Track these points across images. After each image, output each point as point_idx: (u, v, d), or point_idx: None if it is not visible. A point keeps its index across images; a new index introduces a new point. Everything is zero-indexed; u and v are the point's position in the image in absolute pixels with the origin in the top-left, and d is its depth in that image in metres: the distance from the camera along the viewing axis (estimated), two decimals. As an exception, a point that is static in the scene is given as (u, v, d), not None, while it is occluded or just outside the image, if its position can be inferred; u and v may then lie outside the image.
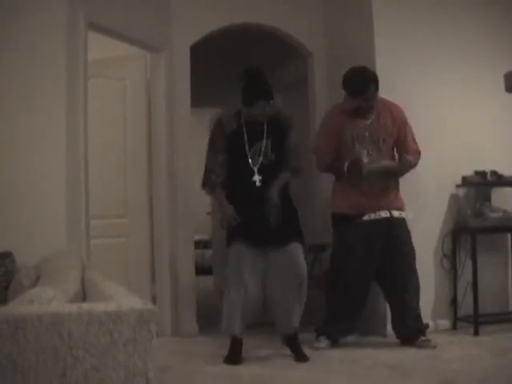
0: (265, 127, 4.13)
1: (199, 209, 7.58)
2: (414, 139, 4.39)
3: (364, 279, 4.29)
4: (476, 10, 5.05)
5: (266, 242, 4.03)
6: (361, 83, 4.19)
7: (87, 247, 4.12)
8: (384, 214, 4.27)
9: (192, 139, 5.17)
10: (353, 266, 4.25)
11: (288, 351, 4.10)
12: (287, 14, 5.46)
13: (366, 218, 4.25)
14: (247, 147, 4.10)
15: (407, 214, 4.37)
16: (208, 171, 4.20)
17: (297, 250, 4.06)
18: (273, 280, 4.04)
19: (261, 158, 4.08)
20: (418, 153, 4.38)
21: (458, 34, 4.98)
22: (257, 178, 4.06)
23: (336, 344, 4.33)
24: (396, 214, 4.30)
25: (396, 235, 4.28)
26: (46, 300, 2.17)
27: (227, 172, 4.14)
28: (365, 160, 4.17)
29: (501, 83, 3.64)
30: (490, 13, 5.07)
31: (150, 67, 5.06)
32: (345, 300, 4.31)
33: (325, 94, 5.53)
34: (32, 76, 3.84)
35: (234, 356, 3.98)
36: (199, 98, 5.59)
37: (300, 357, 4.02)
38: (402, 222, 4.33)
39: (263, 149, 4.09)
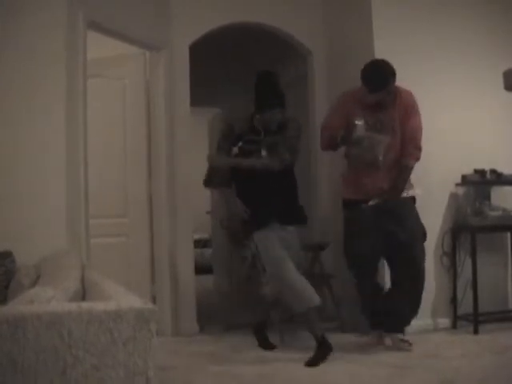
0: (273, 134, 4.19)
1: (199, 208, 7.58)
2: (415, 130, 4.23)
3: (373, 260, 4.31)
4: (476, 9, 5.06)
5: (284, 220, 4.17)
6: (381, 80, 4.13)
7: (87, 246, 4.13)
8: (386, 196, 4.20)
9: (191, 138, 5.17)
10: (361, 249, 4.22)
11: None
12: (287, 13, 5.46)
13: (371, 202, 4.20)
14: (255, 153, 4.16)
15: (415, 191, 4.29)
16: (213, 170, 4.27)
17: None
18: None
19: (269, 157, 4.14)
20: (417, 149, 4.23)
21: (458, 34, 4.98)
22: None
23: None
24: (403, 194, 4.23)
25: (403, 215, 4.20)
26: (45, 299, 2.18)
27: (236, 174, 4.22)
28: (359, 127, 4.10)
29: (500, 82, 3.65)
30: (489, 12, 5.07)
31: (150, 66, 5.06)
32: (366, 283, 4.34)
33: (324, 92, 5.53)
34: (32, 75, 3.84)
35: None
36: (199, 97, 5.59)
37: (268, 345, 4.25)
38: (409, 201, 4.25)
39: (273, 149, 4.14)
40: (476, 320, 4.55)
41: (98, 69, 4.72)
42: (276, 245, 4.06)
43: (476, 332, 4.53)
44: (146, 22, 4.81)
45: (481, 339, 4.39)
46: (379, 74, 4.13)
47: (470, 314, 4.63)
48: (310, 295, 3.99)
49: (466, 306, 4.70)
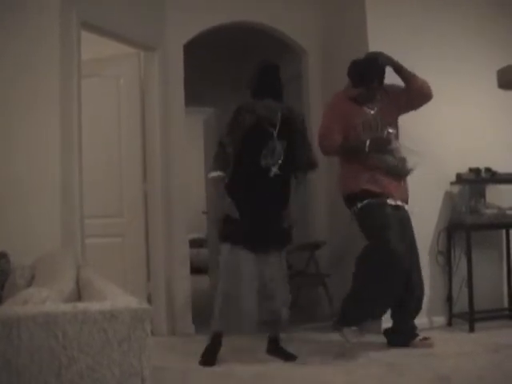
0: (277, 127, 4.04)
1: (194, 208, 7.59)
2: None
3: (406, 260, 4.04)
4: (473, 7, 5.07)
5: (266, 246, 4.02)
6: (366, 73, 4.17)
7: (82, 247, 4.12)
8: (399, 202, 4.19)
9: (186, 138, 5.16)
10: (395, 237, 4.01)
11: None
12: (282, 12, 5.47)
13: (389, 201, 4.14)
14: (262, 144, 4.01)
15: (412, 210, 4.28)
16: (216, 161, 4.11)
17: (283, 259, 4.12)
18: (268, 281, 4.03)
19: (273, 159, 4.00)
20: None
21: (454, 33, 5.00)
22: (273, 170, 3.99)
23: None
24: (406, 206, 4.24)
25: (407, 229, 4.19)
26: (40, 300, 2.17)
27: (238, 165, 4.04)
28: (392, 137, 4.11)
29: (495, 80, 3.66)
30: (486, 10, 5.10)
31: (144, 66, 5.05)
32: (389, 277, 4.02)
33: (319, 91, 5.54)
34: (26, 76, 3.84)
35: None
36: (193, 96, 5.58)
37: (289, 356, 4.03)
38: (409, 214, 4.25)
39: (277, 150, 4.00)
40: (471, 318, 4.56)
41: (92, 69, 4.72)
42: (245, 269, 3.97)
43: (471, 330, 4.53)
44: (141, 22, 4.81)
45: (476, 337, 4.40)
46: (363, 69, 4.18)
47: (465, 312, 4.64)
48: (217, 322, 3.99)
49: (461, 304, 4.71)
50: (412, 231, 4.26)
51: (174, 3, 5.11)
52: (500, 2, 5.14)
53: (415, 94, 4.28)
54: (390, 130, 4.16)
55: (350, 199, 4.23)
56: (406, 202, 4.26)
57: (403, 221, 4.18)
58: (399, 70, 4.25)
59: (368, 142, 4.10)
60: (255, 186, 4.00)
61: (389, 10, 4.84)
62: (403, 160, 4.18)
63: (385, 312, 4.24)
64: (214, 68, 6.93)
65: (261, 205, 3.99)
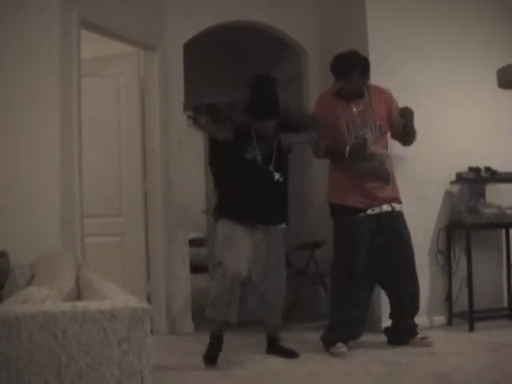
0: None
1: (194, 207, 7.57)
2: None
3: (369, 275, 4.16)
4: (472, 7, 5.06)
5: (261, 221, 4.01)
6: (345, 65, 4.12)
7: (82, 246, 4.12)
8: (386, 207, 4.17)
9: (186, 137, 5.16)
10: (358, 259, 4.10)
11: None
12: (282, 12, 5.46)
13: (369, 211, 4.14)
14: (255, 142, 4.00)
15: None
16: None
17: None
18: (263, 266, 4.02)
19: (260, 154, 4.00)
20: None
21: (454, 33, 4.98)
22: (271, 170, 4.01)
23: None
24: (397, 207, 4.21)
25: (397, 230, 4.19)
26: (39, 299, 2.18)
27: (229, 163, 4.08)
28: (369, 141, 4.08)
29: (495, 80, 3.65)
30: (486, 9, 5.08)
31: (144, 65, 5.05)
32: (351, 300, 4.14)
33: (319, 90, 5.52)
34: (26, 75, 3.84)
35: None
36: (193, 96, 5.58)
37: (290, 353, 4.05)
38: (401, 215, 4.24)
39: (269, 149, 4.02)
40: (471, 317, 4.56)
41: (92, 68, 4.72)
42: (241, 247, 3.92)
43: (471, 329, 4.53)
44: (141, 21, 4.81)
45: (476, 337, 4.40)
46: (343, 61, 4.15)
47: (465, 312, 4.64)
48: (215, 312, 3.91)
49: (461, 304, 4.71)
50: (402, 232, 4.21)
51: (173, 3, 5.11)
52: (500, 2, 5.13)
53: (399, 141, 4.33)
54: (370, 134, 4.11)
55: (331, 208, 4.31)
56: (397, 201, 4.23)
57: (389, 227, 4.15)
58: (409, 128, 4.20)
59: (348, 149, 4.11)
60: (250, 184, 3.99)
61: (389, 10, 4.83)
62: (382, 163, 4.15)
63: (359, 332, 4.24)
64: (213, 68, 6.92)
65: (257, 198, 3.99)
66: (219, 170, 4.27)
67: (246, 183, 3.99)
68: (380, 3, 4.83)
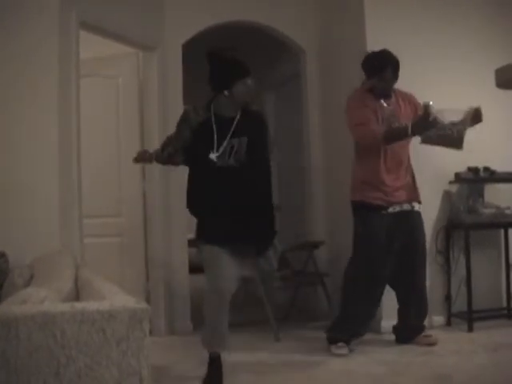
0: (235, 122, 3.57)
1: (193, 207, 7.56)
2: None
3: (385, 272, 4.16)
4: (471, 6, 5.06)
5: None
6: (378, 64, 4.15)
7: (81, 246, 4.12)
8: (406, 206, 4.19)
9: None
10: (378, 256, 4.09)
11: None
12: (280, 12, 5.46)
13: (390, 210, 4.14)
14: (216, 144, 3.51)
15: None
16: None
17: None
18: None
19: (231, 158, 3.49)
20: None
21: (453, 32, 4.98)
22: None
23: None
24: (416, 207, 4.23)
25: (413, 230, 4.21)
26: (38, 300, 2.18)
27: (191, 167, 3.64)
28: (432, 107, 3.90)
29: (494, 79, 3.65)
30: (485, 9, 5.08)
31: (143, 66, 5.05)
32: (366, 296, 4.15)
33: (318, 90, 5.54)
34: (25, 75, 3.84)
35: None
36: (192, 96, 5.57)
37: None
38: (419, 215, 4.25)
39: (236, 147, 3.50)
40: (470, 317, 4.56)
41: (91, 68, 4.72)
42: (227, 268, 3.45)
43: (470, 329, 4.53)
44: (139, 22, 4.81)
45: (475, 336, 4.40)
46: (376, 59, 4.17)
47: (464, 312, 4.64)
48: (209, 340, 3.56)
49: (460, 304, 4.71)
50: (418, 232, 4.24)
51: (172, 3, 5.11)
52: (500, 2, 5.13)
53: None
54: (431, 103, 3.92)
55: (352, 205, 4.26)
56: (418, 201, 4.25)
57: (407, 225, 4.17)
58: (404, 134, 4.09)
59: (410, 124, 3.97)
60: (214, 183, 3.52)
61: (388, 9, 4.83)
62: (452, 126, 4.03)
63: (365, 330, 4.26)
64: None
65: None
66: (188, 184, 3.66)
67: (215, 192, 3.52)
68: (379, 3, 4.83)
